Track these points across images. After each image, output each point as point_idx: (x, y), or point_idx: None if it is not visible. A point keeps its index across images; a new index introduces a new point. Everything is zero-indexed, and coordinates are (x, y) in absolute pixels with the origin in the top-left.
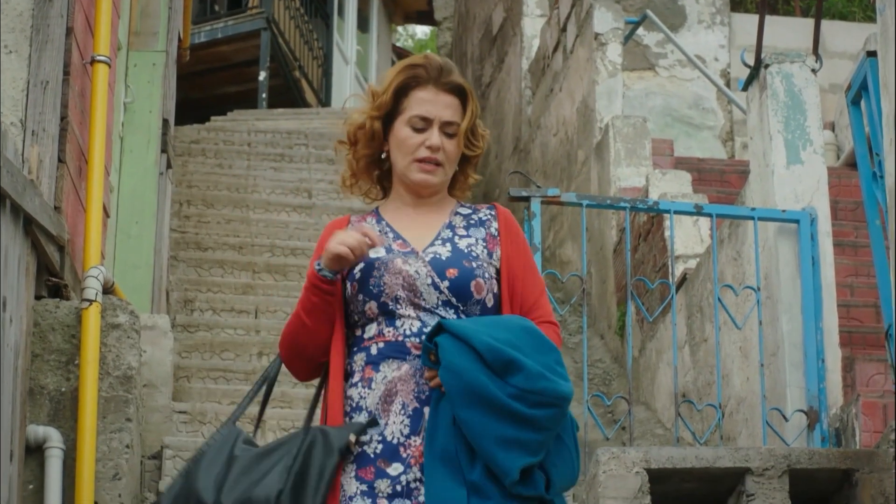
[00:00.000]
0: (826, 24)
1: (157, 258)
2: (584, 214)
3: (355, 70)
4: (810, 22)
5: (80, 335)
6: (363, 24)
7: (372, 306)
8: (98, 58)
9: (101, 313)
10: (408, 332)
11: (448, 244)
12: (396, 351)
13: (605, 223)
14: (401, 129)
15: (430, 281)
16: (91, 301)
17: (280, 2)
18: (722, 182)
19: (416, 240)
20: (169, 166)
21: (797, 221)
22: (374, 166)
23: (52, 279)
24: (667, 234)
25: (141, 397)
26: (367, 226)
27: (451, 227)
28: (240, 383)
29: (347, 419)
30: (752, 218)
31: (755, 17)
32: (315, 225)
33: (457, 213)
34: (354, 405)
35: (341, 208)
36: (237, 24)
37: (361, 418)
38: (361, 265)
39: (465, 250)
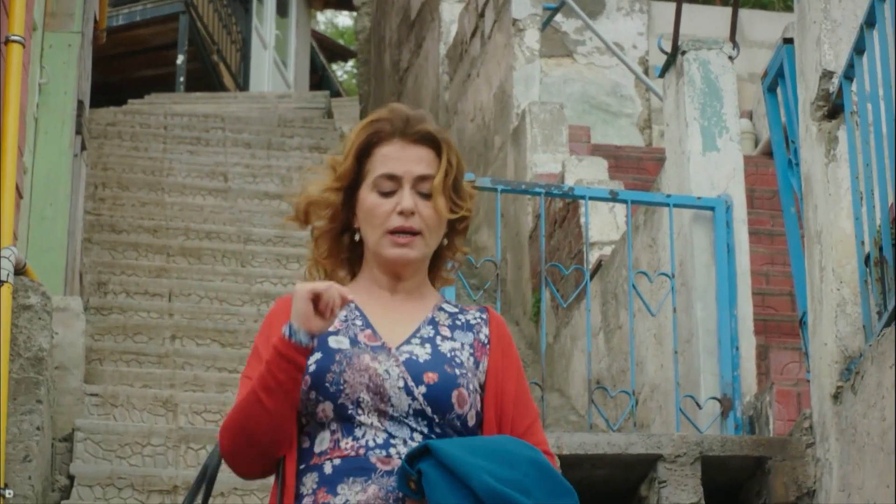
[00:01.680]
0: (745, 13)
1: (70, 240)
2: (499, 200)
3: (274, 55)
4: (730, 11)
5: None
6: (282, 9)
7: (326, 408)
8: (12, 38)
9: (13, 294)
10: (371, 445)
11: (428, 345)
12: (358, 468)
13: (520, 209)
14: (366, 197)
15: (402, 384)
16: (2, 282)
17: None
18: (639, 169)
19: (389, 334)
20: (84, 148)
21: (712, 209)
22: (341, 247)
23: None
24: (582, 220)
25: (52, 379)
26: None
27: (433, 323)
28: (152, 366)
29: None
30: (668, 205)
31: (674, 5)
32: (230, 208)
33: (441, 309)
34: None
35: (256, 192)
36: (156, 7)
37: None
38: (318, 355)
39: (448, 355)
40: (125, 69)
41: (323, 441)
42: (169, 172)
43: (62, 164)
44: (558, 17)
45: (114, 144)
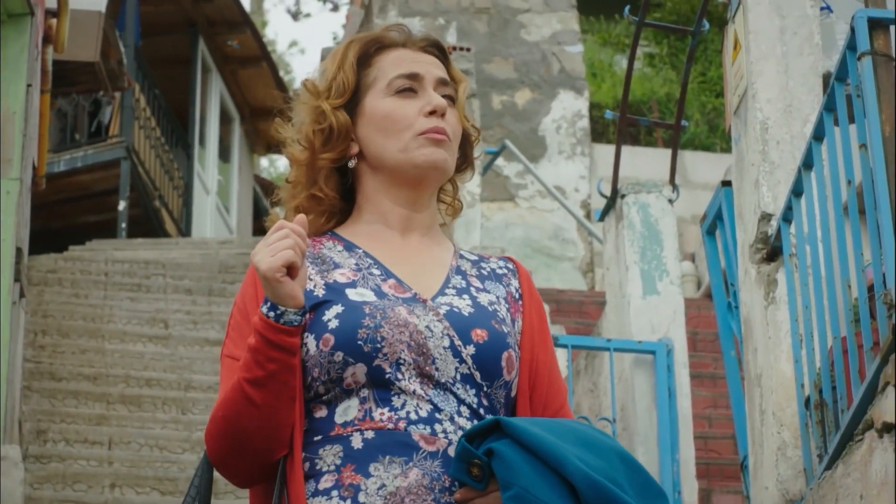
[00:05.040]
0: (689, 155)
1: (9, 388)
2: None
3: (216, 200)
4: None
5: None
6: (224, 154)
7: (357, 372)
8: None
9: None
10: (413, 418)
11: (466, 296)
12: (396, 445)
13: None
14: (379, 104)
15: (447, 343)
16: None
17: (140, 131)
18: (581, 313)
19: (417, 283)
20: (22, 295)
21: (653, 353)
22: (334, 182)
23: None
24: None
25: None
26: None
27: (461, 273)
28: None
29: None
30: (608, 349)
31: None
32: (171, 356)
33: (462, 257)
34: None
35: (197, 339)
36: (97, 153)
37: None
38: (338, 308)
39: (490, 308)
40: (66, 215)
41: (348, 410)
42: (109, 319)
43: (0, 312)
44: (500, 161)
45: (54, 291)
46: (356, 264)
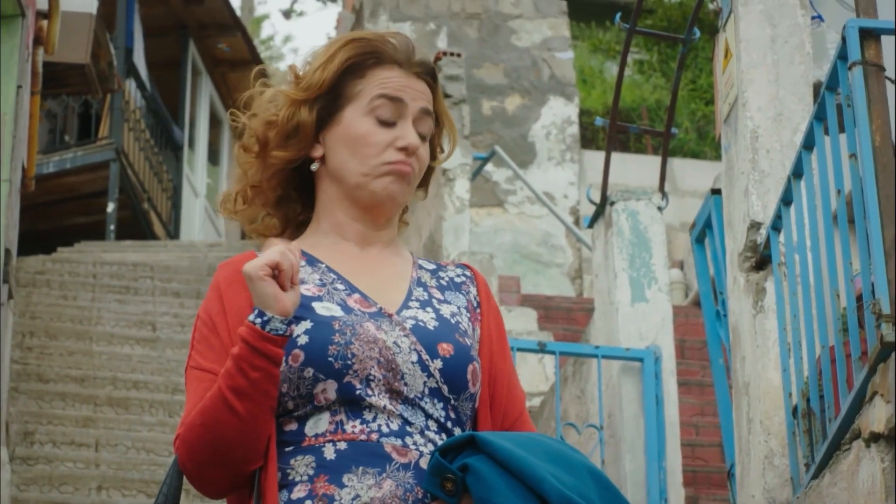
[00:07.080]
0: (678, 162)
1: None
2: None
3: (205, 203)
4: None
5: None
6: (214, 157)
7: (328, 389)
8: None
9: None
10: (385, 431)
11: (429, 309)
12: (369, 455)
13: None
14: (356, 121)
15: (415, 358)
16: None
17: (130, 133)
18: (569, 320)
19: (381, 296)
20: (10, 297)
21: (641, 360)
22: (283, 183)
23: None
24: None
25: None
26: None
27: (422, 285)
28: None
29: None
30: (596, 356)
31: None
32: (158, 358)
33: (420, 267)
34: None
35: (185, 342)
36: (86, 154)
37: None
38: (307, 324)
39: (452, 321)
40: (55, 217)
41: (319, 423)
42: (97, 322)
43: None
44: (489, 167)
45: (42, 293)
46: (320, 279)
